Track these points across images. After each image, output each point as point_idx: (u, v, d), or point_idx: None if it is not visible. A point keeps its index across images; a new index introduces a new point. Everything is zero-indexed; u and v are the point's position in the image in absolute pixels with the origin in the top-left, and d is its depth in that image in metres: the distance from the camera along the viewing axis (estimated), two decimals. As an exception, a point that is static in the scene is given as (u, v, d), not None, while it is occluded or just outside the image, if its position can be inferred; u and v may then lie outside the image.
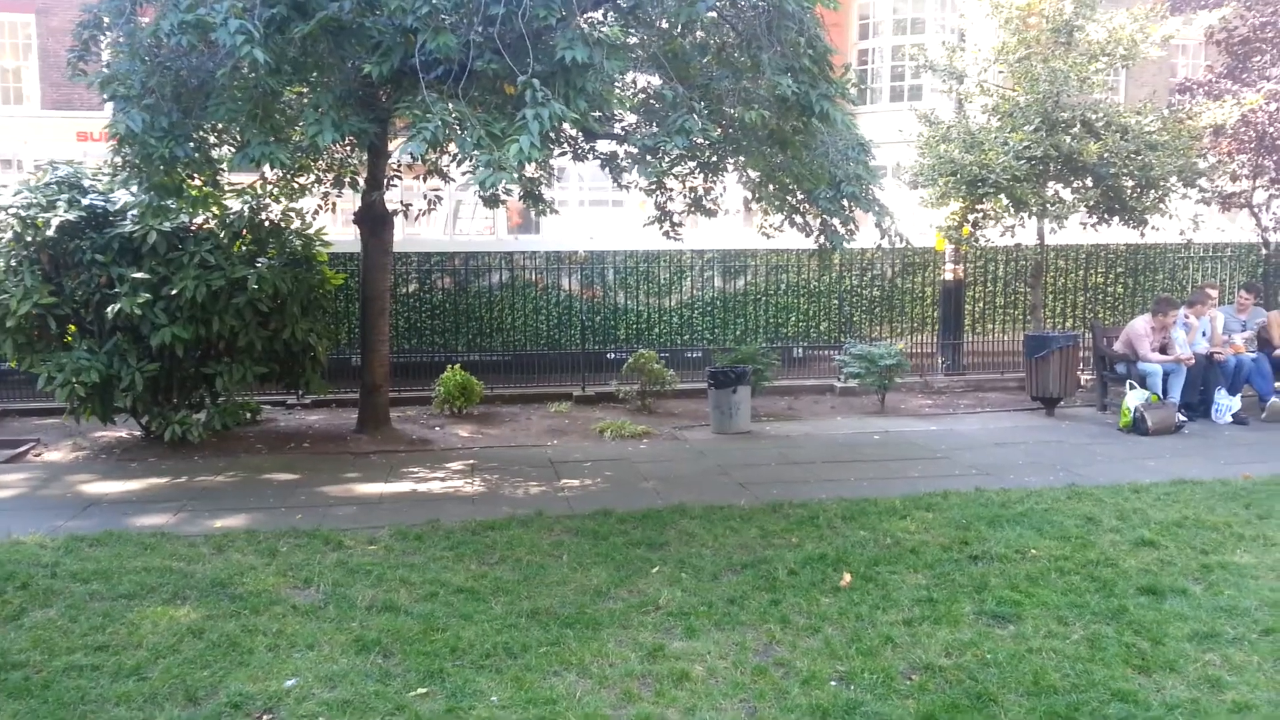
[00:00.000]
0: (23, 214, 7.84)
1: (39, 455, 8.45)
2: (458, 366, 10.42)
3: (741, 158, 7.80)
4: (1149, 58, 11.63)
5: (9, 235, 7.87)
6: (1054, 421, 9.70)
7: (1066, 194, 11.23)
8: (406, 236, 12.73)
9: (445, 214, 15.19)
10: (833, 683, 3.82)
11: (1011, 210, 11.13)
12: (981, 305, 13.03)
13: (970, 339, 12.81)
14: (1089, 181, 10.97)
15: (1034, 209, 11.00)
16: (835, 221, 7.90)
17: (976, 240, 11.70)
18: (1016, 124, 10.86)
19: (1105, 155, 10.51)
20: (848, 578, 4.91)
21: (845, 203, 7.52)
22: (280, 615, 4.46)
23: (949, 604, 4.58)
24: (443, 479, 7.42)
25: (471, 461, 8.07)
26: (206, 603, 4.62)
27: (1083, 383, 11.03)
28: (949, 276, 12.39)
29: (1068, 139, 10.50)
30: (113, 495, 6.92)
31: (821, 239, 8.31)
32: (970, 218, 11.41)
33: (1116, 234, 12.02)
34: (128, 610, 4.53)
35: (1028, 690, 3.73)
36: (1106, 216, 11.24)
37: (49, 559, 5.24)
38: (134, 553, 5.38)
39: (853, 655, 4.04)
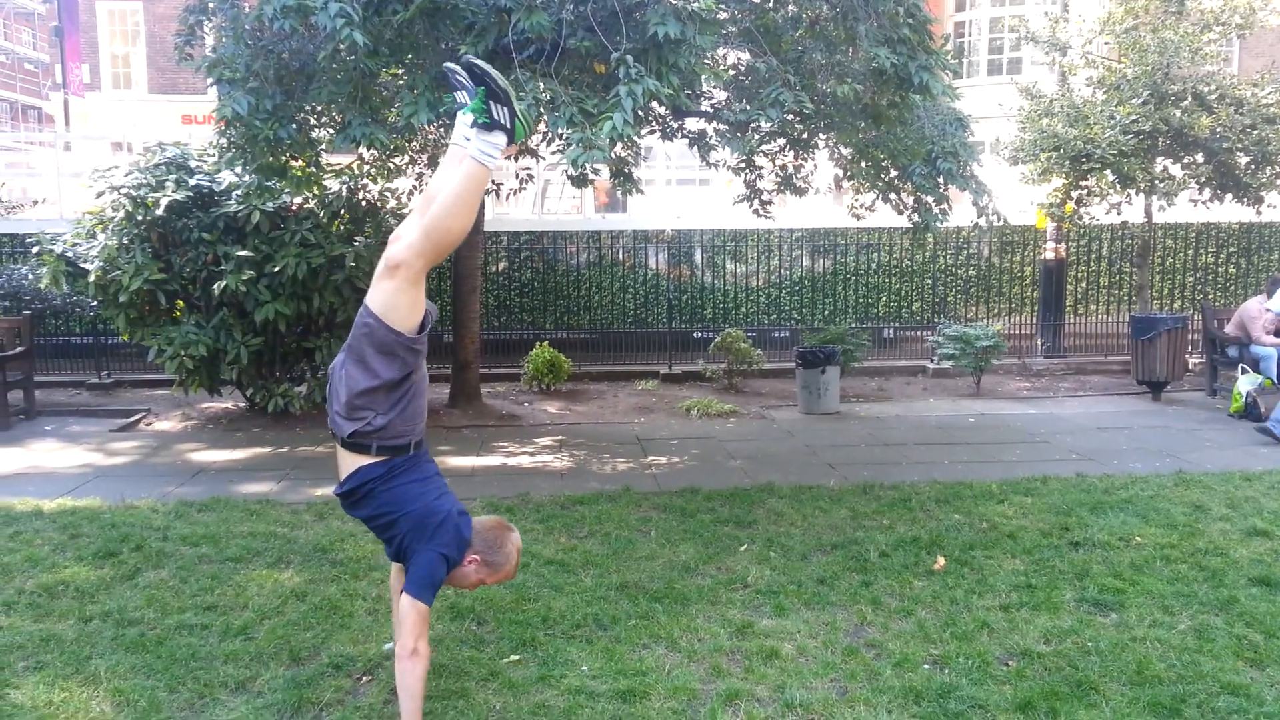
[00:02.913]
0: (134, 194, 8.15)
1: (150, 424, 8.85)
2: (546, 344, 10.53)
3: (833, 134, 7.67)
4: (1267, 26, 11.02)
5: (121, 214, 8.19)
6: (1160, 406, 9.34)
7: (1176, 170, 10.76)
8: (496, 216, 12.87)
9: (533, 193, 15.31)
10: (926, 666, 3.76)
11: (1118, 187, 10.71)
12: (1084, 285, 12.58)
13: (1072, 320, 12.39)
14: (1200, 157, 10.48)
15: (1141, 185, 10.57)
16: (930, 199, 7.71)
17: (1080, 218, 11.29)
18: (1123, 97, 10.43)
19: (1218, 130, 10.03)
20: (942, 561, 4.82)
21: (941, 179, 7.33)
22: (378, 581, 4.59)
23: (1048, 590, 4.46)
24: (532, 454, 7.53)
25: (560, 437, 8.16)
26: (309, 567, 4.79)
27: (1191, 366, 10.59)
28: (1050, 255, 11.98)
29: (1178, 113, 10.04)
30: (219, 463, 7.21)
31: (915, 217, 8.13)
32: (1073, 194, 11.01)
33: (1229, 212, 11.48)
34: (235, 573, 4.72)
35: (1131, 680, 3.62)
36: (1219, 193, 10.74)
37: (161, 523, 5.50)
38: (240, 518, 5.60)
39: (947, 639, 3.97)
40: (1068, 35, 11.38)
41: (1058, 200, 11.11)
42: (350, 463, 3.17)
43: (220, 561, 4.89)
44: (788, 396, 9.95)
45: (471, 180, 3.03)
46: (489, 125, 3.02)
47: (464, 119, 3.10)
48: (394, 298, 3.04)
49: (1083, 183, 10.89)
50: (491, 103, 2.99)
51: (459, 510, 3.29)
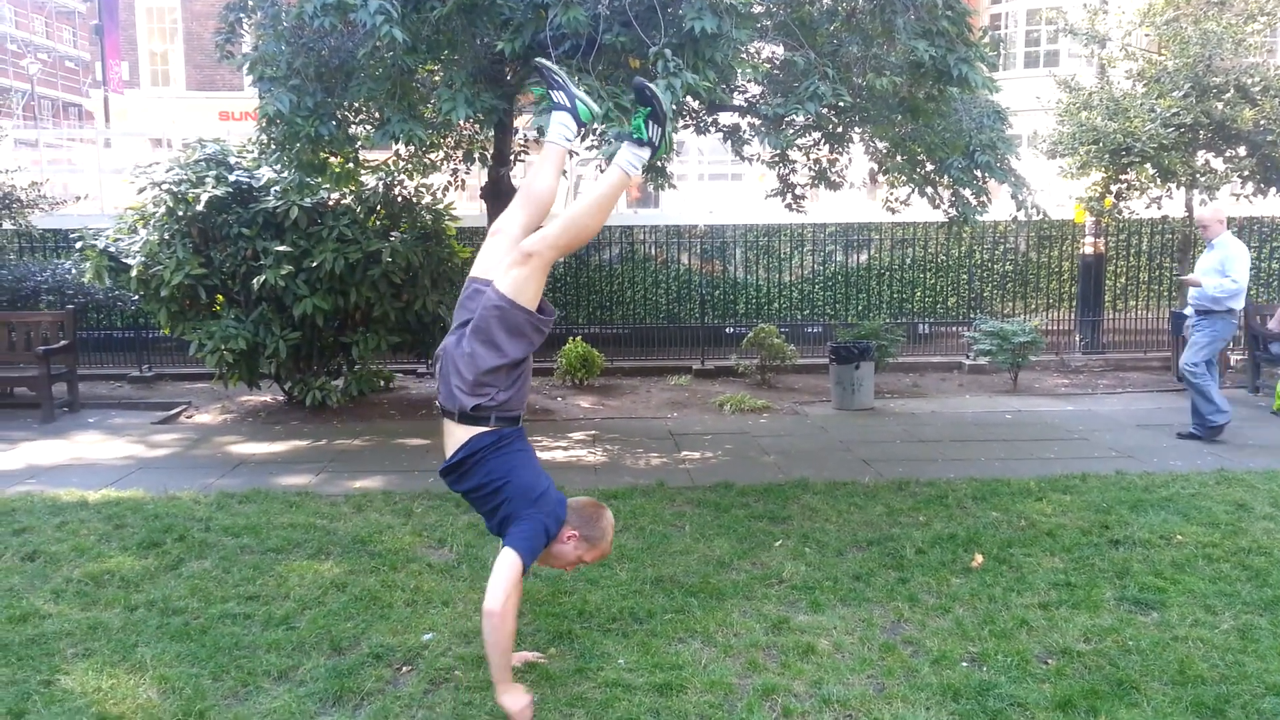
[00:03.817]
0: (175, 190, 8.27)
1: (190, 417, 8.99)
2: (579, 339, 10.56)
3: (869, 127, 7.62)
4: (1314, 16, 10.80)
5: (162, 210, 8.31)
6: (1200, 403, 9.18)
7: (1218, 163, 10.57)
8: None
9: (566, 188, 15.35)
10: (964, 663, 3.74)
11: (1158, 181, 10.54)
12: (1123, 281, 12.41)
13: (1110, 316, 12.23)
14: (1242, 150, 10.28)
15: (1182, 179, 10.40)
16: (967, 193, 7.64)
17: (1119, 212, 11.13)
18: (1164, 90, 10.26)
19: (1262, 122, 9.83)
20: (979, 559, 4.79)
21: (978, 173, 7.26)
22: (417, 573, 4.65)
23: (1088, 589, 4.42)
24: (565, 448, 7.56)
25: (593, 432, 8.19)
26: (348, 559, 4.85)
27: (1232, 363, 10.42)
28: (1088, 250, 11.83)
29: (1220, 105, 9.86)
30: (259, 456, 7.31)
31: (952, 211, 8.06)
32: (1113, 188, 10.86)
33: (1272, 206, 11.26)
34: (276, 563, 4.79)
35: (1173, 679, 3.58)
36: (1262, 187, 10.53)
37: (203, 514, 5.59)
38: (280, 510, 5.68)
39: (985, 637, 3.94)
40: (1107, 27, 11.22)
41: (1097, 194, 10.97)
42: (462, 435, 3.35)
43: (261, 552, 4.96)
44: (821, 392, 9.91)
45: (614, 186, 3.38)
46: (642, 141, 3.36)
47: (560, 117, 3.52)
48: (524, 283, 3.26)
49: (1122, 176, 10.73)
50: (650, 122, 3.33)
51: (555, 489, 3.46)
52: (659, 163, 9.29)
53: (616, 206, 15.88)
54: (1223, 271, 7.37)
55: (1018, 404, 9.33)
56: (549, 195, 3.58)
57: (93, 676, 3.61)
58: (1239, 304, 7.47)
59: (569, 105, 3.51)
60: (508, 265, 3.30)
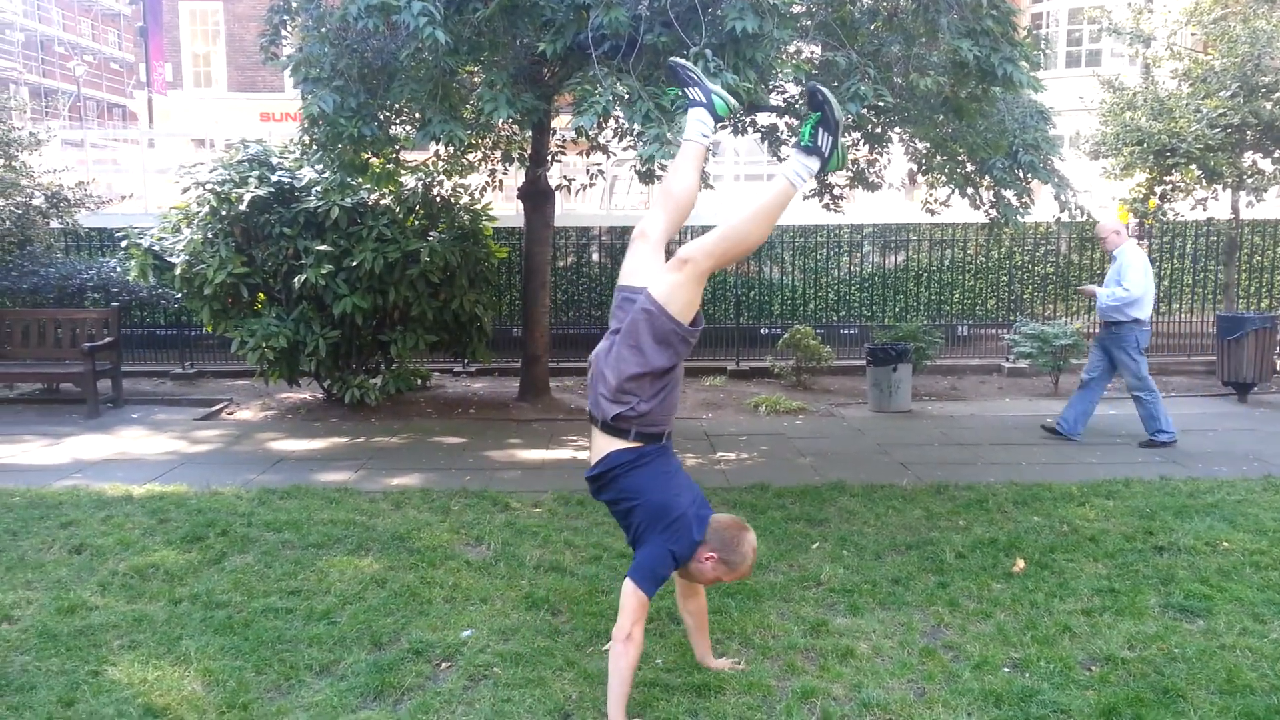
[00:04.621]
0: (218, 189, 8.40)
1: (232, 413, 9.11)
2: (614, 339, 10.55)
3: (909, 127, 7.56)
4: (1368, 14, 10.56)
5: (206, 209, 8.44)
6: (1247, 408, 9.03)
7: (1266, 164, 10.38)
8: (564, 211, 12.96)
9: (601, 189, 15.38)
10: (1006, 669, 3.70)
11: (1204, 182, 10.38)
12: (1166, 283, 12.20)
13: (1155, 319, 12.01)
14: (1292, 151, 10.11)
15: (1229, 180, 10.22)
16: (1009, 194, 7.55)
17: (1163, 214, 10.96)
18: (1211, 89, 10.10)
19: (1312, 122, 9.65)
20: (1021, 564, 4.73)
21: (1021, 173, 7.18)
22: (455, 570, 4.68)
23: (1132, 595, 4.35)
24: (601, 448, 7.56)
25: (629, 432, 8.18)
26: (387, 555, 4.89)
27: (1279, 368, 10.21)
28: (1131, 253, 11.64)
29: (1269, 105, 9.69)
30: (299, 452, 7.40)
31: (993, 212, 7.97)
32: (1157, 190, 10.70)
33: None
34: (316, 559, 4.85)
35: (1220, 688, 3.51)
36: (1312, 188, 10.34)
37: (244, 509, 5.66)
38: (320, 506, 5.74)
39: (1027, 642, 3.90)
40: (1152, 26, 11.06)
41: (1140, 195, 10.81)
42: (605, 446, 3.29)
43: (302, 547, 5.02)
44: (857, 394, 9.85)
45: (779, 196, 3.19)
46: (810, 149, 3.19)
47: (697, 114, 3.45)
48: (677, 290, 3.17)
49: (1167, 178, 10.58)
50: (820, 129, 3.18)
51: (698, 507, 3.33)
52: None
53: (651, 207, 15.78)
54: (1119, 282, 7.43)
55: (1059, 407, 9.15)
56: (690, 195, 3.50)
57: (139, 668, 3.67)
58: (1142, 311, 7.47)
59: (705, 101, 3.45)
60: (663, 270, 3.23)
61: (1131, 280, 7.33)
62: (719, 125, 3.56)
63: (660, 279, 3.20)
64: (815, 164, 3.19)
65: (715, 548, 3.28)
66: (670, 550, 3.22)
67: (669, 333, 3.16)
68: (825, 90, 3.18)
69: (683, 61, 3.52)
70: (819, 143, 3.17)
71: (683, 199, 3.47)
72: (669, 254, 3.35)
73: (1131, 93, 10.83)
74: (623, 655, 3.14)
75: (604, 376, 3.24)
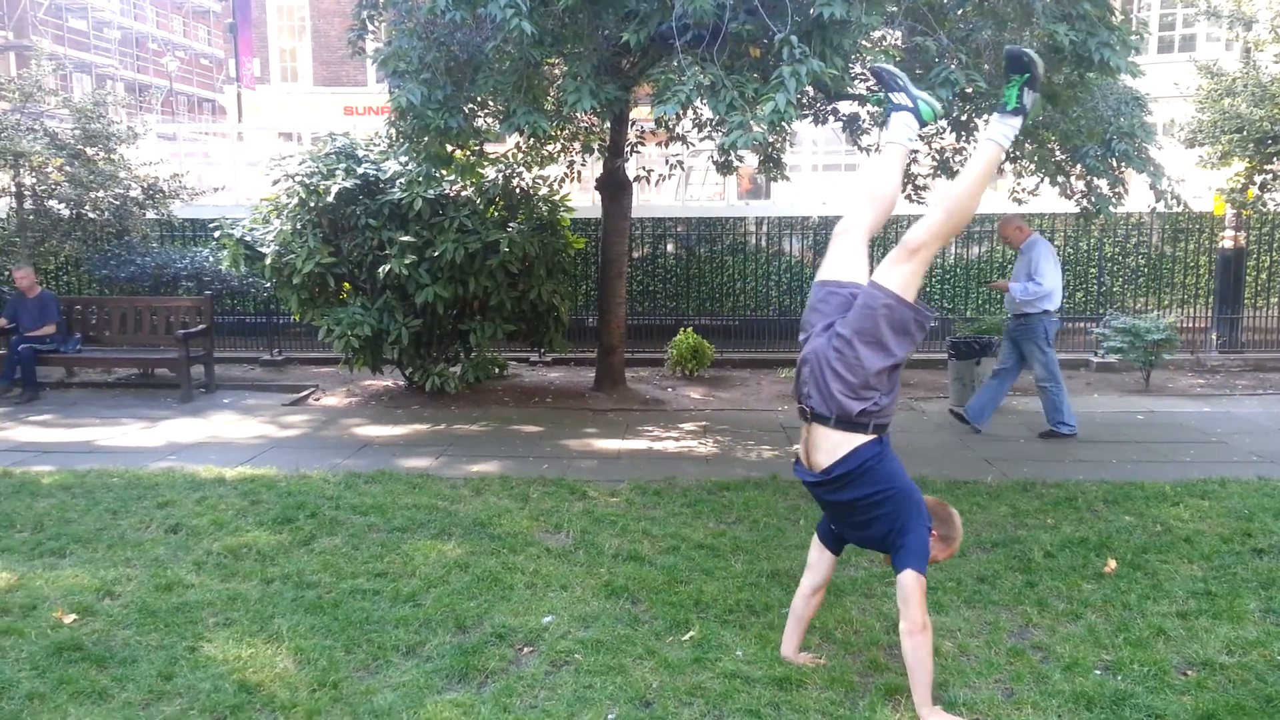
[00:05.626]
0: (307, 181, 8.59)
1: (318, 400, 9.35)
2: (689, 329, 10.56)
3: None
4: None
5: (295, 201, 8.65)
6: (1353, 408, 8.62)
7: (1378, 152, 9.88)
8: (640, 203, 12.96)
9: (677, 181, 15.35)
10: (1097, 672, 3.60)
11: (1308, 171, 9.92)
12: (1265, 276, 11.71)
13: (1250, 314, 11.56)
14: (1407, 137, 9.59)
15: (1337, 169, 9.75)
16: (1102, 183, 7.31)
17: (1262, 204, 10.51)
18: (1319, 73, 9.64)
19: None
20: (1112, 564, 4.59)
21: (1114, 162, 6.94)
22: (535, 556, 4.73)
23: (1230, 599, 4.19)
24: (676, 439, 7.58)
25: (704, 423, 8.18)
26: (469, 540, 4.97)
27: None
28: (1228, 244, 11.20)
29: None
30: (383, 438, 7.55)
31: (1086, 202, 7.73)
32: (1256, 179, 10.26)
33: None
34: (401, 542, 4.95)
35: (1329, 700, 3.36)
36: None
37: (332, 492, 5.80)
38: (404, 490, 5.86)
39: (1119, 645, 3.78)
40: (1254, 8, 10.59)
41: (1238, 185, 10.39)
42: (839, 443, 3.28)
43: (388, 531, 5.13)
44: (937, 388, 9.66)
45: (990, 162, 3.35)
46: (1017, 110, 3.31)
47: (902, 118, 3.55)
48: (911, 279, 3.25)
49: (1267, 166, 10.14)
50: (1026, 89, 3.31)
51: None
52: (772, 153, 9.19)
53: (726, 198, 15.72)
54: (1031, 276, 7.33)
55: (1150, 404, 8.91)
56: (894, 196, 3.59)
57: (233, 645, 3.80)
58: (1053, 304, 7.39)
59: (911, 105, 3.54)
60: (892, 262, 3.26)
61: (1044, 274, 7.30)
62: (923, 128, 3.73)
63: (892, 271, 3.25)
64: (1018, 122, 3.32)
65: (934, 525, 3.40)
66: (928, 528, 3.34)
67: (908, 321, 3.22)
68: (1030, 52, 3.30)
69: (889, 68, 3.61)
70: (1024, 101, 3.29)
71: (887, 200, 3.55)
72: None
73: (1231, 78, 10.40)
74: (924, 645, 3.23)
75: (836, 373, 3.24)
